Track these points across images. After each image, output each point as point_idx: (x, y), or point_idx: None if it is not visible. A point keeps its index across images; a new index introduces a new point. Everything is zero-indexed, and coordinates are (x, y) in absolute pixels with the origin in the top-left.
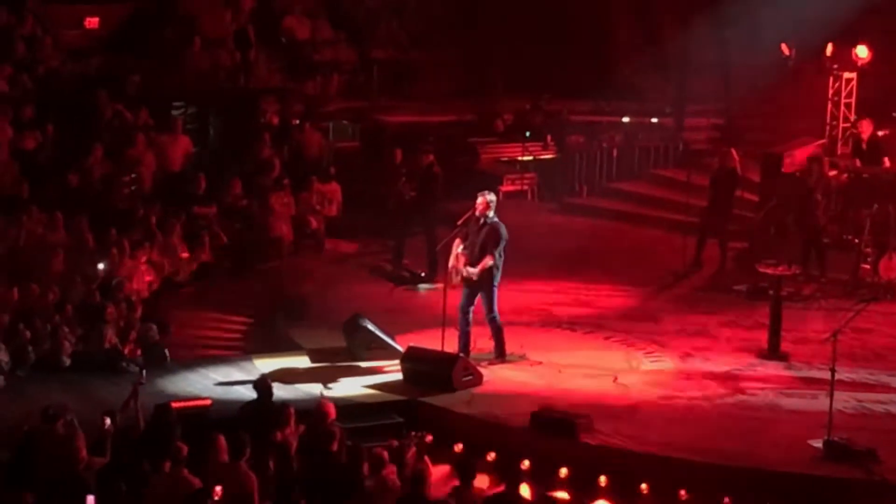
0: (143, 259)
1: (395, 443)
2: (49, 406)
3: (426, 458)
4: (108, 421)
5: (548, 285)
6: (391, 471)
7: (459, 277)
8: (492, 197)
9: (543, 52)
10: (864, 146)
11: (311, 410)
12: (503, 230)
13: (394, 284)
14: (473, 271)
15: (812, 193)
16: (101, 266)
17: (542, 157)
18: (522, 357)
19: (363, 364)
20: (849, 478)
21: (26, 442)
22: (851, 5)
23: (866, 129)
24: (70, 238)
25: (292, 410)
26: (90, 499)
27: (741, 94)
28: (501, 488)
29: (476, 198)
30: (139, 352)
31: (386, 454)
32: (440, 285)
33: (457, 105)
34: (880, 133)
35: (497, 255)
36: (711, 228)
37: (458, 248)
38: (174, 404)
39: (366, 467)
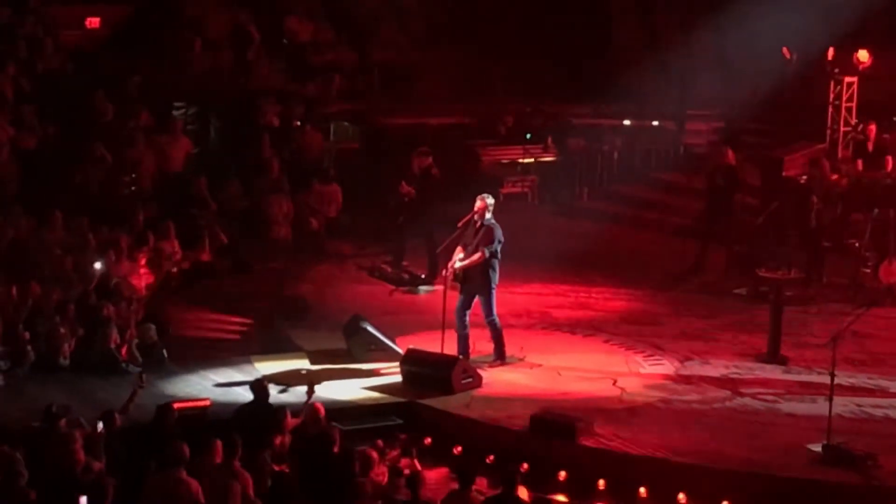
0: (143, 261)
1: (381, 443)
2: (52, 405)
3: (415, 461)
4: (100, 425)
5: (548, 288)
6: (380, 472)
7: (452, 280)
8: (490, 200)
9: (545, 54)
10: (870, 148)
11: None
12: (498, 231)
13: (394, 286)
14: (459, 263)
15: (808, 197)
16: (97, 266)
17: (543, 159)
18: (522, 360)
19: (363, 366)
20: (847, 482)
21: (31, 440)
22: (853, 9)
23: (873, 131)
24: (72, 238)
25: (289, 414)
26: (83, 499)
27: (742, 97)
28: (500, 491)
29: (475, 201)
30: (137, 353)
31: (375, 454)
32: (440, 287)
33: (457, 107)
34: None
35: (490, 255)
36: (714, 232)
37: (458, 255)
38: (174, 405)
39: (356, 466)
